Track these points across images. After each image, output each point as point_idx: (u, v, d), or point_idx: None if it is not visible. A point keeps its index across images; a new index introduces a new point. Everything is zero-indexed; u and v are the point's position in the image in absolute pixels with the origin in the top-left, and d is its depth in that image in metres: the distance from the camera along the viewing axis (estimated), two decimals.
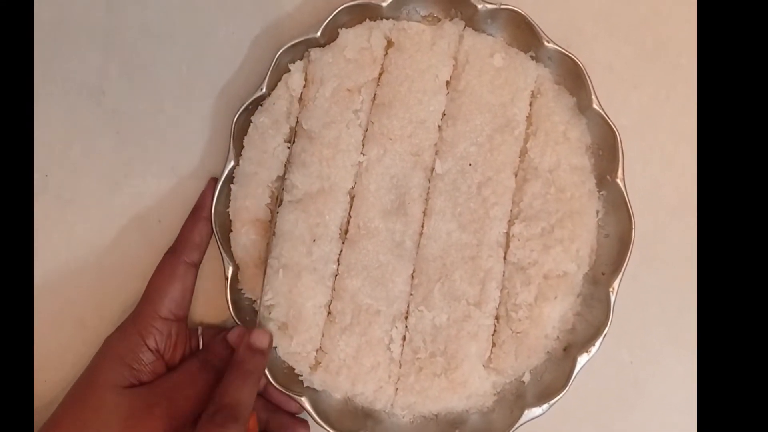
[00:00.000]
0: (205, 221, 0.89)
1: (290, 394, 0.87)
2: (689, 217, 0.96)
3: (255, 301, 0.90)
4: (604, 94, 0.90)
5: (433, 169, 0.90)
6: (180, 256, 0.87)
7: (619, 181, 0.88)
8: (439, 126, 0.91)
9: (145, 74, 0.96)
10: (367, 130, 0.91)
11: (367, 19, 0.91)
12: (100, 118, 0.93)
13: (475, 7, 0.89)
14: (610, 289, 0.87)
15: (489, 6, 0.89)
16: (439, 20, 0.92)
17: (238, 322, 0.88)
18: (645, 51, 0.98)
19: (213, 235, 0.89)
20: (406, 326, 0.90)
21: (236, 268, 0.90)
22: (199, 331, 0.90)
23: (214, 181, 0.90)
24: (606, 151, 0.90)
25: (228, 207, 0.90)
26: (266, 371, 0.86)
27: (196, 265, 0.89)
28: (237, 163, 0.90)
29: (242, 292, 0.90)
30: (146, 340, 0.83)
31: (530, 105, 0.91)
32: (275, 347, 0.89)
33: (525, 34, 0.91)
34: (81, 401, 0.80)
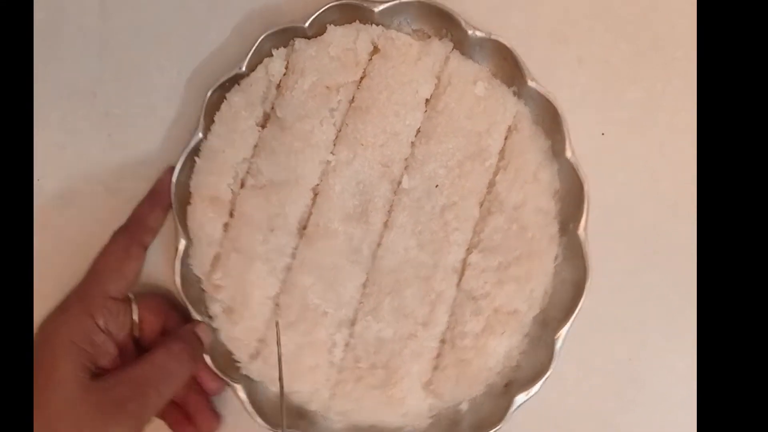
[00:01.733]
0: (162, 208, 0.91)
1: (227, 379, 0.89)
2: (689, 212, 0.99)
3: (201, 278, 0.92)
4: (601, 88, 0.98)
5: (400, 182, 0.93)
6: (134, 236, 0.89)
7: (580, 232, 0.92)
8: (412, 142, 0.94)
9: (137, 76, 0.99)
10: (340, 131, 0.94)
11: (357, 21, 0.94)
12: (93, 121, 0.95)
13: (466, 32, 0.93)
14: (557, 336, 0.90)
15: (479, 33, 0.93)
16: (429, 37, 0.96)
17: (184, 298, 0.91)
18: (641, 45, 1.02)
19: (170, 208, 0.92)
20: (351, 333, 0.92)
21: (188, 241, 0.91)
22: (135, 314, 0.89)
23: (171, 169, 0.92)
24: (572, 200, 0.94)
25: (190, 178, 0.92)
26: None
27: (147, 248, 0.91)
28: (205, 137, 0.92)
29: (191, 266, 0.92)
30: (97, 321, 0.82)
31: (505, 139, 0.95)
32: (217, 329, 0.91)
33: (510, 67, 0.94)
34: (45, 404, 0.75)
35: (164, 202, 0.90)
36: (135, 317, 0.87)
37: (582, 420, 0.97)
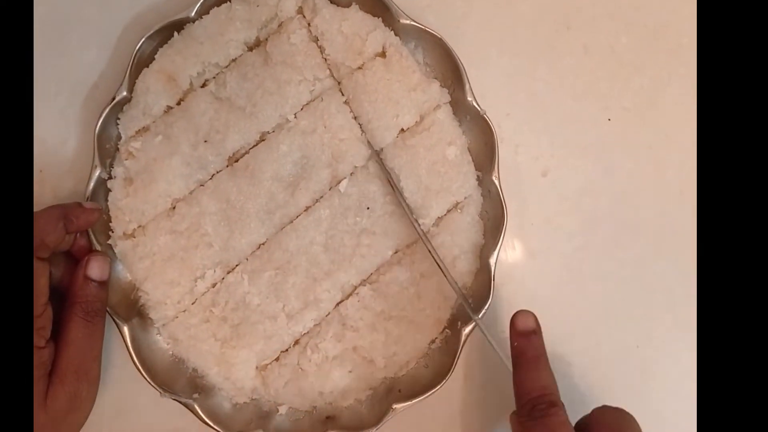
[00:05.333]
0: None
1: (98, 247, 0.92)
2: (694, 201, 1.03)
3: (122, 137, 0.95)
4: (606, 77, 1.05)
5: (339, 182, 0.97)
6: (66, 217, 0.88)
7: (465, 333, 0.94)
8: (371, 156, 0.98)
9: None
10: (313, 101, 0.98)
11: (381, 19, 0.99)
12: (95, 113, 0.95)
13: (466, 99, 0.98)
14: (393, 408, 0.91)
15: (473, 110, 0.98)
16: (434, 78, 1.01)
17: (95, 146, 0.91)
18: (646, 32, 1.08)
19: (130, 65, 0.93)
20: (223, 279, 0.95)
21: (128, 99, 0.94)
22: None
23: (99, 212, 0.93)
24: (476, 298, 0.97)
25: (162, 45, 0.96)
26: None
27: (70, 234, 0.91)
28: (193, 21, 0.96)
29: (118, 121, 0.94)
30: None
31: (448, 212, 1.00)
32: (110, 191, 0.93)
33: (489, 150, 0.98)
34: None
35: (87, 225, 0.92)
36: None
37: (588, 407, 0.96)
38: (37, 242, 0.83)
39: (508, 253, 1.02)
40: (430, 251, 0.94)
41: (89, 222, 0.89)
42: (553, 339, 0.94)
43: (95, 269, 0.88)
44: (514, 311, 0.87)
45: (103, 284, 0.89)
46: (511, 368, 0.86)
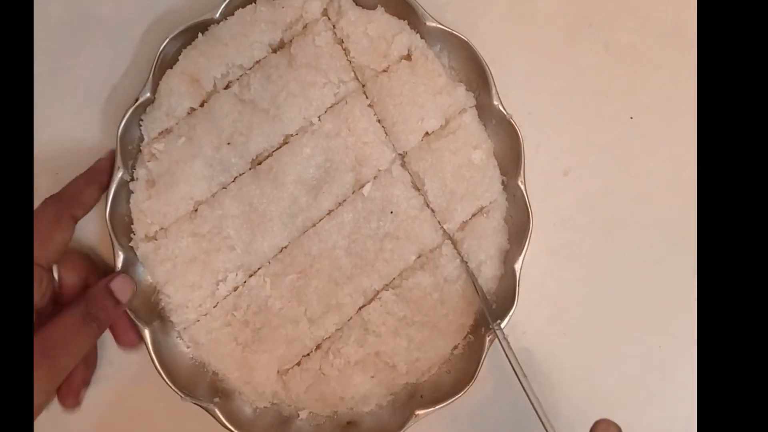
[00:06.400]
0: (98, 187, 0.92)
1: (119, 249, 0.92)
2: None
3: (144, 138, 0.95)
4: (625, 75, 1.05)
5: (362, 186, 0.98)
6: (66, 207, 0.89)
7: (488, 338, 0.94)
8: (394, 157, 0.98)
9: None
10: (337, 104, 0.98)
11: (407, 22, 0.99)
12: (114, 115, 0.97)
13: (492, 103, 0.98)
14: (416, 414, 0.92)
15: (499, 114, 0.98)
16: (459, 81, 1.01)
17: (118, 145, 0.92)
18: (665, 30, 1.08)
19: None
20: (245, 283, 0.96)
21: (151, 101, 0.94)
22: (55, 272, 0.91)
23: (113, 153, 0.93)
24: (500, 304, 0.97)
25: (186, 47, 0.96)
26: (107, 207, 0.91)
27: (76, 222, 0.91)
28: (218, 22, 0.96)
29: (141, 123, 0.94)
30: None
31: (473, 216, 1.00)
32: (132, 192, 0.94)
33: (514, 154, 0.98)
34: None
35: (102, 181, 0.92)
36: (55, 275, 0.90)
37: (610, 407, 0.97)
38: (43, 245, 0.84)
39: (528, 252, 1.00)
40: (459, 255, 0.95)
41: (93, 199, 0.90)
42: (572, 338, 0.96)
43: (117, 284, 0.88)
44: (594, 417, 0.85)
45: (119, 305, 0.88)
46: (526, 387, 0.87)
